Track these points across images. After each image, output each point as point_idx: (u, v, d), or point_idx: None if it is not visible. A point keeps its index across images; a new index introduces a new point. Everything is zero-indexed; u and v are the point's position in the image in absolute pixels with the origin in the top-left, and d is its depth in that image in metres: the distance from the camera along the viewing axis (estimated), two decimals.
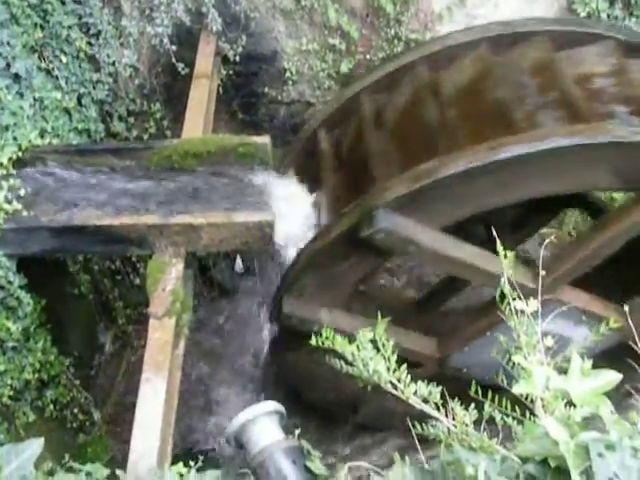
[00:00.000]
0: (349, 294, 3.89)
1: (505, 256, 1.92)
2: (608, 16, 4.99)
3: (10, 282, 3.72)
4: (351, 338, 1.85)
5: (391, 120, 4.15)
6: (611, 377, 1.31)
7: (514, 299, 1.78)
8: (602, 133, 3.11)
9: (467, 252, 3.62)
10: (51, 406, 4.43)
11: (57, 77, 4.35)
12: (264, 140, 3.92)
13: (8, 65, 3.84)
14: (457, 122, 3.74)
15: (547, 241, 2.50)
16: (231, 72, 5.36)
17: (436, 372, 4.04)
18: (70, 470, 3.15)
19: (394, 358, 1.74)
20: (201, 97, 4.55)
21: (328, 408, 4.91)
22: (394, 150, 3.91)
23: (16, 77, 3.91)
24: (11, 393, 3.88)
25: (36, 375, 4.13)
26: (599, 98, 3.66)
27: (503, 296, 1.81)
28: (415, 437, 1.94)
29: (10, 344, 3.85)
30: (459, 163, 3.19)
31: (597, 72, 3.81)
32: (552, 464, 1.22)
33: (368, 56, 5.34)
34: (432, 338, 4.34)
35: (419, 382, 1.79)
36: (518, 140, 3.17)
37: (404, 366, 1.75)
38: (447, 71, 4.12)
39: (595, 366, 1.39)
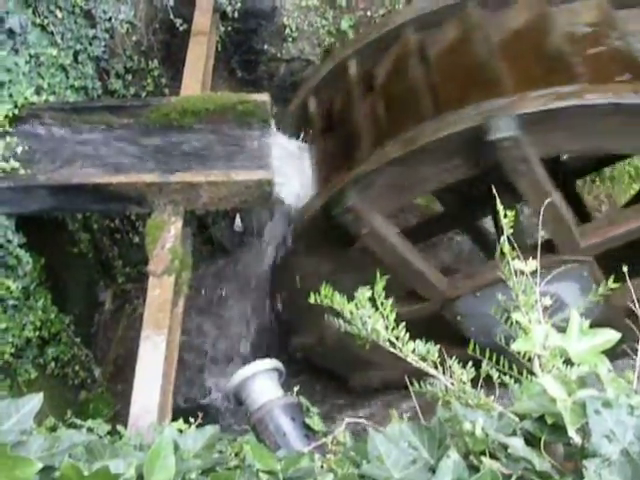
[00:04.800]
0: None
1: (505, 215, 1.91)
2: None
3: (9, 241, 3.72)
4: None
5: (379, 83, 4.13)
6: (610, 336, 1.32)
7: (513, 259, 1.78)
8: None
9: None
10: (52, 363, 4.47)
11: (52, 33, 4.27)
12: (263, 98, 3.88)
13: (2, 20, 3.78)
14: (442, 84, 3.72)
15: (547, 201, 2.49)
16: (230, 29, 5.27)
17: (434, 313, 4.08)
18: (72, 426, 3.20)
19: (393, 316, 1.74)
20: (199, 54, 4.49)
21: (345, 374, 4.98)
22: (382, 114, 3.90)
23: (10, 33, 3.85)
24: (13, 350, 3.91)
25: (37, 333, 4.16)
26: (589, 55, 3.62)
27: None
28: (414, 396, 1.96)
29: (10, 302, 3.86)
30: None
31: (586, 27, 3.76)
32: (549, 421, 1.23)
33: (369, 12, 5.25)
34: (443, 277, 4.36)
35: (417, 340, 1.80)
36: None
37: (402, 324, 1.75)
38: (434, 33, 4.07)
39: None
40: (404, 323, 1.75)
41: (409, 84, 3.89)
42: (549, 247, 3.70)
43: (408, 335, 1.75)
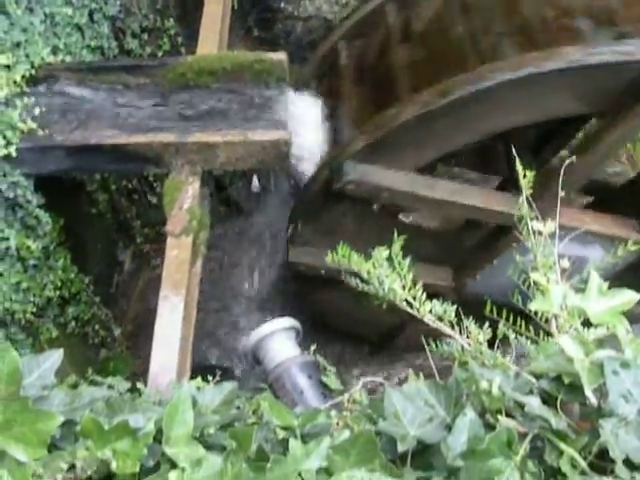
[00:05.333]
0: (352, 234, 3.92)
1: (524, 175, 1.89)
2: None
3: (29, 201, 3.74)
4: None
5: (418, 35, 4.03)
6: (629, 296, 1.30)
7: (532, 220, 1.76)
8: (553, 60, 3.03)
9: (440, 189, 3.64)
10: (73, 323, 4.53)
11: None
12: (280, 57, 3.82)
13: None
14: (484, 36, 3.63)
15: (567, 162, 2.45)
16: None
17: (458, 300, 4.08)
18: (93, 383, 3.26)
19: (410, 276, 1.74)
20: (215, 12, 4.43)
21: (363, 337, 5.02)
22: (421, 63, 3.81)
23: None
24: (34, 310, 3.97)
25: (57, 292, 4.21)
26: (569, 14, 3.52)
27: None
28: (430, 356, 1.97)
29: (31, 262, 3.91)
30: (412, 109, 3.25)
31: None
32: (566, 381, 1.23)
33: None
34: (447, 268, 4.37)
35: (434, 300, 1.80)
36: (467, 79, 3.15)
37: (420, 283, 1.75)
38: None
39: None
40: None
41: (449, 34, 3.82)
42: None
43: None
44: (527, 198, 1.84)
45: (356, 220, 3.89)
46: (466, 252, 4.42)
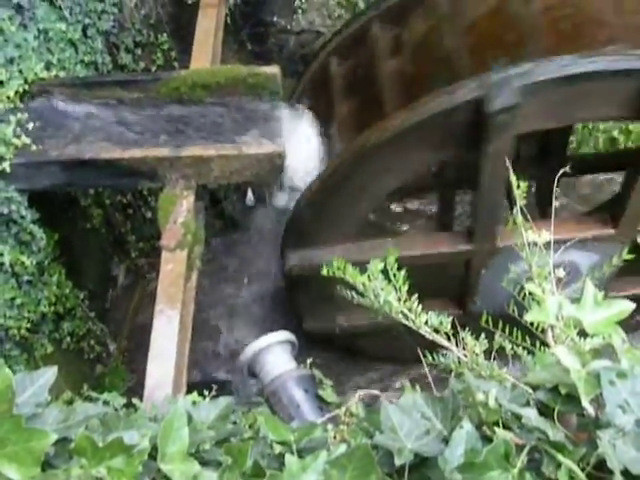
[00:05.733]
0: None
1: (518, 186, 1.89)
2: None
3: (22, 217, 3.73)
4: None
5: (406, 49, 4.06)
6: (624, 306, 1.30)
7: (526, 230, 1.76)
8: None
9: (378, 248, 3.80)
10: (68, 338, 4.51)
11: (61, 7, 4.23)
12: (274, 70, 3.84)
13: None
14: (475, 48, 3.66)
15: (560, 172, 2.46)
16: (239, 1, 5.22)
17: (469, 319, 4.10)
18: (88, 399, 3.24)
19: (405, 288, 1.74)
20: (209, 27, 4.45)
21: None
22: (408, 79, 3.84)
23: (19, 7, 3.82)
24: (29, 325, 3.95)
25: (52, 308, 4.19)
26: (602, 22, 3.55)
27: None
28: (426, 367, 1.96)
29: (25, 278, 3.89)
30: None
31: None
32: (563, 391, 1.22)
33: None
34: (444, 299, 4.41)
35: (430, 312, 1.80)
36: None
37: (415, 296, 1.75)
38: None
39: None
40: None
41: (439, 47, 3.85)
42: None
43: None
44: (521, 209, 1.84)
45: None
46: (455, 281, 4.47)
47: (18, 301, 3.83)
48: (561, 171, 2.25)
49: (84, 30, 4.49)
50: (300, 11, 5.34)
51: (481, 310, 4.45)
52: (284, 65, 4.42)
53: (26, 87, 3.79)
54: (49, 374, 1.25)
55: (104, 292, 5.51)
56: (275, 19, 5.42)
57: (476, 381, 1.34)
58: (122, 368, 5.21)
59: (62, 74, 4.13)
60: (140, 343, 5.05)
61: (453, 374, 1.76)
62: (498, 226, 3.76)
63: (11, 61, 3.71)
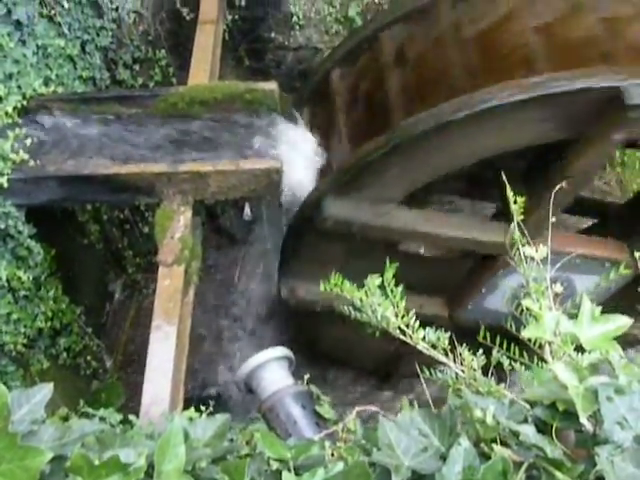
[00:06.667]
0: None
1: (515, 201, 1.89)
2: None
3: (20, 232, 3.73)
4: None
5: (411, 62, 4.07)
6: (621, 322, 1.30)
7: (523, 245, 1.77)
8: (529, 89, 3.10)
9: (411, 219, 3.73)
10: (64, 354, 4.50)
11: (59, 24, 4.26)
12: (271, 86, 3.86)
13: (9, 11, 3.76)
14: (478, 63, 3.67)
15: (557, 187, 2.47)
16: (237, 17, 5.25)
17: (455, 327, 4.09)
18: (84, 415, 3.22)
19: (402, 304, 1.73)
20: (207, 43, 4.47)
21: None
22: (414, 91, 3.84)
23: (18, 24, 3.84)
24: (25, 341, 3.94)
25: (49, 323, 4.18)
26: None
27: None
28: (424, 383, 1.95)
29: (22, 293, 3.88)
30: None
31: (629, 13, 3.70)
32: (560, 408, 1.22)
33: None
34: (438, 298, 4.38)
35: (427, 328, 1.79)
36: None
37: (412, 311, 1.74)
38: (470, 11, 4.00)
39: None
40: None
41: (442, 62, 3.86)
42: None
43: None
44: (518, 224, 1.84)
45: (346, 252, 3.91)
46: (456, 281, 4.43)
47: (14, 316, 3.81)
48: (557, 187, 2.26)
49: (83, 46, 4.52)
50: (297, 27, 5.38)
51: (469, 317, 4.45)
52: (282, 81, 4.43)
53: (24, 103, 3.80)
54: (45, 391, 1.24)
55: (101, 307, 5.50)
56: (273, 35, 5.46)
57: (474, 397, 1.34)
58: (118, 384, 5.18)
59: (60, 90, 4.14)
60: (137, 359, 5.04)
61: (450, 390, 1.76)
62: None
63: (10, 77, 3.72)
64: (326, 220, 3.59)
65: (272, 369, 3.16)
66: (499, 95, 3.17)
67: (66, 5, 4.28)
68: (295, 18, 5.32)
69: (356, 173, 3.49)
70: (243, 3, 5.10)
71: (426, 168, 3.50)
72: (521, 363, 1.78)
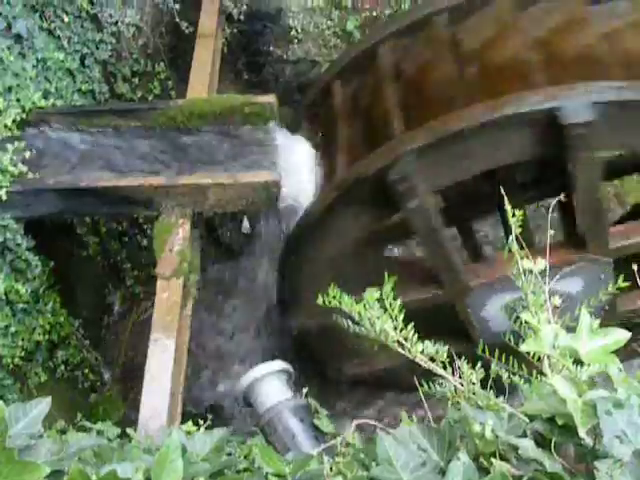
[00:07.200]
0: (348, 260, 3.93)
1: (513, 214, 1.89)
2: None
3: (18, 244, 3.73)
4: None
5: (410, 73, 4.08)
6: (620, 335, 1.30)
7: (522, 258, 1.76)
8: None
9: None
10: (62, 366, 4.48)
11: (59, 37, 4.28)
12: (270, 99, 3.87)
13: (9, 25, 3.79)
14: (475, 78, 3.69)
15: (554, 201, 2.47)
16: (236, 31, 5.28)
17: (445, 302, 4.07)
18: (82, 429, 3.20)
19: (401, 317, 1.73)
20: (205, 57, 4.49)
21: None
22: (413, 104, 3.85)
23: (18, 37, 3.86)
24: (22, 354, 3.92)
25: (46, 336, 4.17)
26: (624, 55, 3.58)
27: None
28: (422, 396, 1.95)
29: (20, 306, 3.88)
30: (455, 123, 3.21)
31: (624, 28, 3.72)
32: (559, 422, 1.22)
33: (375, 13, 5.23)
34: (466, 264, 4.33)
35: (426, 341, 1.79)
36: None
37: (411, 325, 1.74)
38: (466, 24, 4.02)
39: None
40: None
41: (440, 76, 3.87)
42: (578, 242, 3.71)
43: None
44: (517, 237, 1.84)
45: (349, 262, 3.89)
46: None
47: (12, 329, 3.80)
48: (555, 200, 2.27)
49: (82, 59, 4.54)
50: (296, 41, 5.40)
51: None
52: (280, 94, 4.44)
53: (24, 116, 3.81)
54: (43, 405, 1.24)
55: (99, 320, 5.49)
56: (271, 49, 5.48)
57: (472, 411, 1.33)
58: (116, 397, 5.16)
59: (60, 103, 4.16)
60: (135, 371, 5.02)
61: (450, 404, 1.76)
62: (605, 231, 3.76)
63: (9, 90, 3.74)
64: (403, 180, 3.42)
65: (270, 383, 3.15)
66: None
67: (66, 19, 4.30)
68: (293, 32, 5.34)
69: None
70: (242, 17, 5.12)
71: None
72: (520, 376, 1.77)
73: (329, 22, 5.30)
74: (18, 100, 3.79)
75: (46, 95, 4.05)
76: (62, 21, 4.31)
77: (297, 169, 3.86)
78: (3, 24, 3.72)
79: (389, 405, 5.17)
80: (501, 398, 1.63)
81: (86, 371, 4.85)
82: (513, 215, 1.91)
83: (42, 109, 3.92)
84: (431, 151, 3.34)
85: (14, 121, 3.74)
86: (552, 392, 1.25)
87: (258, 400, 3.13)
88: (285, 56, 5.54)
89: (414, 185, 3.38)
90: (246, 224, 5.96)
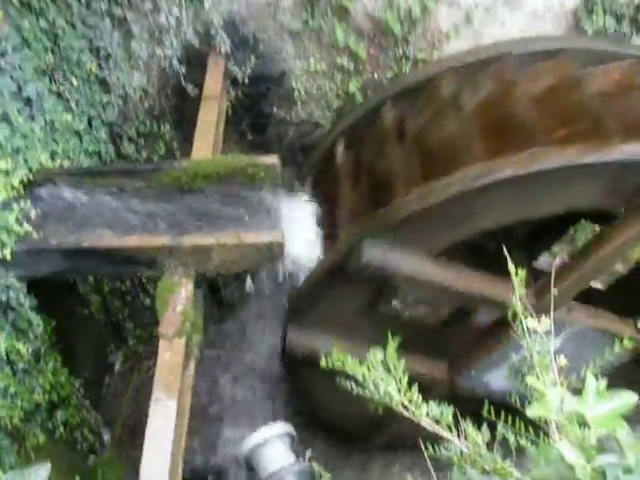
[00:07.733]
0: (351, 321, 3.91)
1: (516, 273, 1.89)
2: (615, 31, 4.98)
3: (21, 304, 3.72)
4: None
5: (413, 134, 4.14)
6: (627, 398, 1.28)
7: (526, 317, 1.76)
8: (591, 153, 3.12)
9: (452, 276, 3.67)
10: (61, 428, 4.40)
11: (68, 100, 4.37)
12: (273, 160, 3.92)
13: (20, 88, 3.87)
14: (476, 138, 3.74)
15: (558, 257, 2.48)
16: (240, 93, 5.38)
17: (450, 394, 4.01)
18: None
19: (405, 379, 1.72)
20: (210, 118, 4.57)
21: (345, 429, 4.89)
22: (416, 165, 3.90)
23: (27, 100, 3.93)
24: (21, 415, 3.86)
25: (46, 396, 4.11)
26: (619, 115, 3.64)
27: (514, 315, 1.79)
28: (427, 458, 1.92)
29: (20, 366, 3.84)
30: (449, 189, 3.25)
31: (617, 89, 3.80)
32: None
33: (376, 75, 5.35)
34: (442, 361, 4.32)
35: (430, 403, 1.77)
36: (508, 162, 3.20)
37: (415, 387, 1.72)
38: (469, 85, 4.11)
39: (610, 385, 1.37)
40: None
41: (445, 135, 3.92)
42: None
43: None
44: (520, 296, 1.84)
45: (353, 312, 3.88)
46: (461, 346, 4.39)
47: (12, 390, 3.75)
48: (556, 260, 2.27)
49: (89, 121, 4.63)
50: (299, 103, 5.50)
51: (469, 385, 4.39)
52: (284, 155, 4.51)
53: (30, 176, 3.85)
54: (42, 472, 1.21)
55: (100, 379, 5.43)
56: (275, 110, 5.58)
57: (478, 477, 1.31)
58: (116, 459, 5.06)
59: (66, 163, 4.22)
60: (136, 432, 4.94)
61: (455, 467, 1.72)
62: None
63: (17, 151, 3.79)
64: (366, 266, 3.51)
65: (273, 447, 3.09)
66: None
67: (75, 82, 4.40)
68: (297, 94, 5.45)
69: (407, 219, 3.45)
70: (246, 80, 5.24)
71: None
72: (527, 438, 1.75)
73: (331, 84, 5.41)
74: (26, 161, 3.84)
75: (53, 156, 4.10)
76: (71, 84, 4.40)
77: (299, 230, 3.89)
78: (14, 87, 3.80)
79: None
80: (508, 461, 1.60)
81: (85, 432, 4.77)
82: (517, 274, 1.91)
83: (49, 170, 3.97)
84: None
85: (21, 182, 3.78)
86: (560, 457, 1.22)
87: (260, 465, 3.07)
88: (288, 117, 5.64)
89: (380, 267, 3.45)
90: (250, 283, 5.95)
